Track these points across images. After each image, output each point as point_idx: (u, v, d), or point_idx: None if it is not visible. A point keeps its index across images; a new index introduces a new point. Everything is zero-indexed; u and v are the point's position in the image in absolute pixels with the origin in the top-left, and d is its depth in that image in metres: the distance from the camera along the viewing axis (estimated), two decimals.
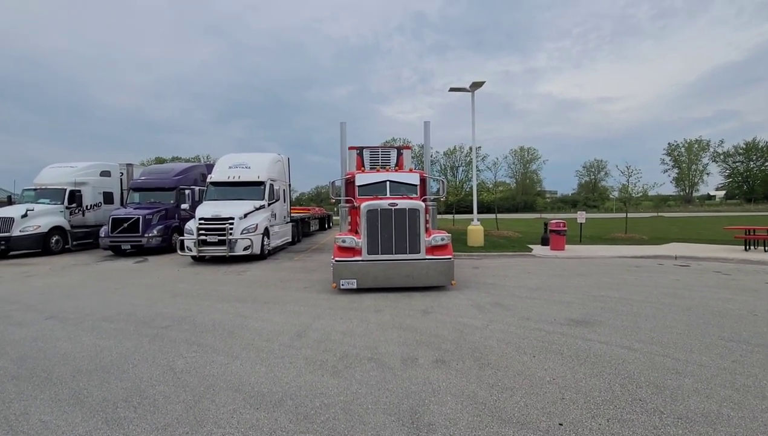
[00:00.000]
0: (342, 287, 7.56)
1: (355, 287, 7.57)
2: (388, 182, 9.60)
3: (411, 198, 8.67)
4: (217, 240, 11.79)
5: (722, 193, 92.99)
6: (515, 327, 5.39)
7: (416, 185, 9.69)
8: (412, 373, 3.97)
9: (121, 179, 18.54)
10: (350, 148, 15.68)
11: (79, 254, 15.36)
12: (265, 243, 12.78)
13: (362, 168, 14.85)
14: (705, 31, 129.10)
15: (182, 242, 11.96)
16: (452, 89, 15.26)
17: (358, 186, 9.66)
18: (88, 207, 16.69)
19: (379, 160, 14.24)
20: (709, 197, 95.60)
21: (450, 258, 7.74)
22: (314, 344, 4.85)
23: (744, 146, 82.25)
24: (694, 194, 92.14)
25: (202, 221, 11.90)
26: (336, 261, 7.65)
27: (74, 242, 15.85)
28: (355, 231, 9.13)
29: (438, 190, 10.84)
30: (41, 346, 4.98)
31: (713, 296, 7.02)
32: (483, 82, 14.40)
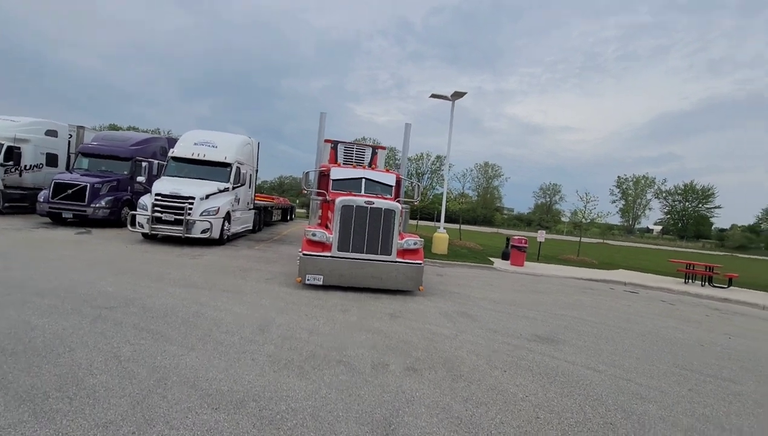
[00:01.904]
0: (307, 281, 7.24)
1: (321, 283, 7.28)
2: (364, 180, 9.38)
3: (386, 198, 8.51)
4: (173, 219, 11.02)
5: (659, 227, 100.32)
6: (484, 339, 5.35)
7: (392, 186, 9.54)
8: (383, 380, 3.78)
9: (69, 142, 17.00)
10: (325, 141, 15.34)
11: (11, 218, 13.86)
12: (225, 228, 12.12)
13: (335, 162, 14.57)
14: (661, 79, 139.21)
15: (133, 216, 11.08)
16: (433, 96, 15.28)
17: (333, 180, 9.37)
18: (27, 167, 15.10)
19: (353, 157, 13.98)
20: (648, 230, 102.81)
21: (420, 263, 7.64)
22: (278, 341, 4.54)
23: (683, 187, 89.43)
24: (636, 226, 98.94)
25: (159, 197, 11.08)
26: (304, 254, 7.32)
27: (6, 204, 14.29)
28: (325, 225, 8.84)
29: (412, 192, 10.74)
30: None
31: (662, 324, 7.38)
32: (464, 93, 14.53)
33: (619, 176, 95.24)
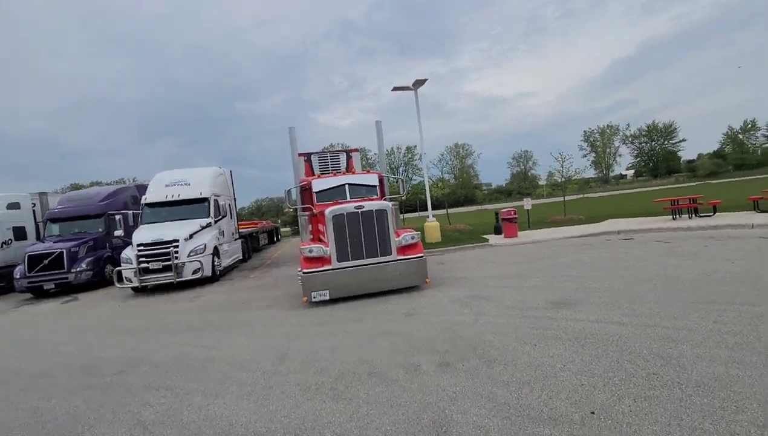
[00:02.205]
0: (314, 299, 7.08)
1: (327, 298, 7.12)
2: (347, 185, 9.23)
3: (372, 199, 8.39)
4: (161, 266, 10.66)
5: (632, 171, 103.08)
6: (504, 318, 5.31)
7: (376, 186, 9.43)
8: (420, 382, 3.68)
9: (33, 211, 16.27)
10: (299, 155, 15.12)
11: None
12: (215, 264, 11.81)
13: (312, 174, 14.39)
14: (603, 29, 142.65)
15: (119, 272, 10.67)
16: (396, 88, 15.22)
17: (316, 192, 9.20)
18: None
19: (329, 166, 13.82)
20: (622, 176, 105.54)
21: (422, 256, 7.56)
22: (301, 367, 4.39)
23: (646, 128, 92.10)
24: (610, 175, 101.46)
25: (142, 247, 10.69)
26: (304, 273, 7.15)
27: None
28: (318, 239, 8.68)
29: (397, 187, 10.65)
30: None
31: (666, 263, 7.50)
32: (425, 80, 14.51)
33: (585, 131, 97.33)
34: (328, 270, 7.19)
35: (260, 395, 3.80)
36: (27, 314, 10.07)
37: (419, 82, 14.61)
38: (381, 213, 7.38)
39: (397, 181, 10.92)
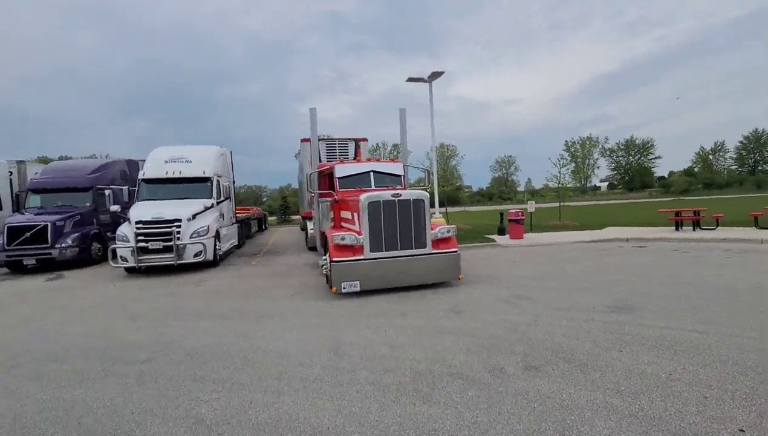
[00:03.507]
0: (343, 290, 6.63)
1: (358, 289, 6.69)
2: (372, 173, 8.78)
3: (396, 189, 7.97)
4: (161, 247, 9.91)
5: (605, 184, 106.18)
6: (565, 320, 5.02)
7: (401, 176, 9.02)
8: (516, 386, 3.33)
9: (10, 180, 15.02)
10: (303, 140, 14.51)
11: None
12: (216, 247, 11.12)
13: (319, 160, 13.84)
14: (588, 44, 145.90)
15: (114, 250, 9.85)
16: (410, 79, 14.82)
17: (339, 178, 8.70)
18: None
19: (336, 153, 13.33)
20: (596, 188, 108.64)
21: (456, 251, 7.23)
22: (365, 363, 3.97)
23: (624, 143, 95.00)
24: (588, 186, 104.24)
25: (141, 225, 9.91)
26: (335, 262, 6.68)
27: None
28: (339, 227, 8.21)
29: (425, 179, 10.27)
30: None
31: (701, 273, 7.43)
32: (442, 73, 14.19)
33: (566, 141, 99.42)
34: (360, 260, 6.76)
35: (333, 394, 3.36)
36: (10, 290, 9.16)
37: (435, 75, 14.26)
38: (419, 203, 6.99)
39: (425, 173, 10.54)
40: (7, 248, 11.07)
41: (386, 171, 8.99)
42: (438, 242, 7.20)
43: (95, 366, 4.22)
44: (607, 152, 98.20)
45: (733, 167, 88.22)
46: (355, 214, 7.19)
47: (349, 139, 14.00)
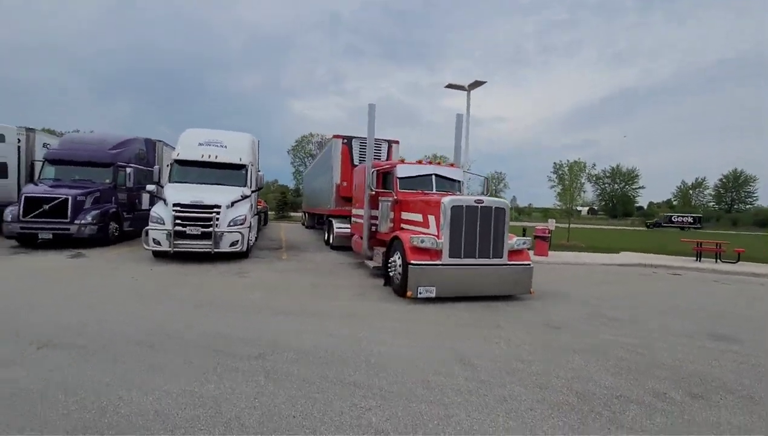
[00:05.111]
0: (419, 295, 6.34)
1: (433, 295, 6.41)
2: (434, 176, 8.57)
3: (456, 195, 7.76)
4: (200, 233, 9.38)
5: (586, 208, 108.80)
6: (679, 345, 4.88)
7: (461, 182, 8.84)
8: (702, 415, 3.13)
9: (18, 148, 14.12)
10: (335, 136, 14.16)
11: None
12: (249, 239, 10.65)
13: (350, 159, 13.52)
14: (576, 70, 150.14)
15: (147, 232, 9.27)
16: (449, 86, 14.68)
17: (400, 178, 8.44)
18: None
19: (369, 153, 13.03)
20: (578, 212, 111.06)
21: (530, 264, 7.05)
22: (509, 378, 3.70)
23: (611, 171, 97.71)
24: (574, 209, 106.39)
25: (179, 208, 9.36)
26: (413, 265, 6.39)
27: None
28: (400, 228, 7.94)
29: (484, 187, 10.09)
30: (84, 405, 2.96)
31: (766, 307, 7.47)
32: (484, 82, 14.09)
33: (555, 163, 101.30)
34: (439, 265, 6.49)
35: (505, 410, 3.09)
36: (31, 265, 8.46)
37: (477, 84, 14.17)
38: (500, 211, 6.79)
39: (484, 181, 10.38)
40: (22, 219, 10.30)
41: (447, 175, 8.80)
42: (513, 253, 7.00)
43: (204, 360, 3.80)
44: (593, 178, 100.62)
45: (711, 204, 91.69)
46: (431, 217, 6.93)
47: (383, 139, 13.75)
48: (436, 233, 6.71)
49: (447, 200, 6.62)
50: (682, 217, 62.75)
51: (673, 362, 4.28)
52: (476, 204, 6.68)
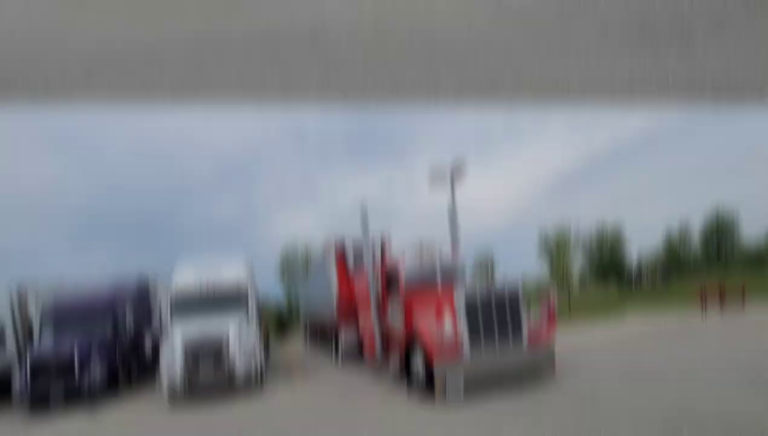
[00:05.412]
0: (450, 401, 6.17)
1: (461, 399, 6.23)
2: (438, 269, 8.87)
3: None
4: (212, 369, 9.06)
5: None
6: None
7: (463, 267, 9.14)
8: None
9: (12, 312, 13.85)
10: (326, 244, 14.40)
11: None
12: (262, 366, 10.27)
13: (344, 268, 13.48)
14: (543, 147, 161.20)
15: (159, 377, 8.92)
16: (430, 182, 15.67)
17: (405, 276, 8.69)
18: None
19: (363, 256, 13.30)
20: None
21: (551, 345, 7.05)
22: None
23: (597, 236, 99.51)
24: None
25: (187, 344, 9.14)
26: (439, 367, 6.31)
27: None
28: (413, 328, 7.93)
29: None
30: None
31: None
32: (466, 171, 15.07)
33: (540, 233, 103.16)
34: (460, 363, 6.43)
35: None
36: None
37: (459, 172, 15.11)
38: (514, 295, 6.98)
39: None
40: (32, 383, 9.73)
41: (447, 267, 9.08)
42: (533, 334, 7.02)
43: None
44: (579, 244, 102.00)
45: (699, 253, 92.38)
46: (447, 313, 7.04)
47: (376, 238, 14.11)
48: (453, 329, 6.75)
49: (459, 293, 6.82)
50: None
51: None
52: (490, 292, 6.88)
